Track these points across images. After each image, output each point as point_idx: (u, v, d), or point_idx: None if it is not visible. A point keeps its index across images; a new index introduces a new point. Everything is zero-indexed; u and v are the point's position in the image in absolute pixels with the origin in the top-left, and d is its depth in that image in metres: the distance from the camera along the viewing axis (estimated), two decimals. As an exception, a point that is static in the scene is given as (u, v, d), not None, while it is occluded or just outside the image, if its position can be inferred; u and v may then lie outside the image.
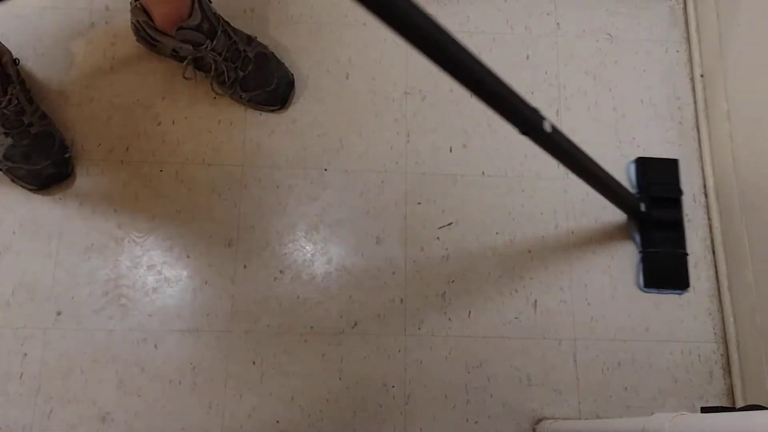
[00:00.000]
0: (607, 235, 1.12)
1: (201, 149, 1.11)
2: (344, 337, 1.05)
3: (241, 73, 1.09)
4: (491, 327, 1.07)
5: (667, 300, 1.10)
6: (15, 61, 1.03)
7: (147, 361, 1.02)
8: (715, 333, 1.10)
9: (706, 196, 1.15)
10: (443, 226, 1.11)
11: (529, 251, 1.11)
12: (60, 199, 1.07)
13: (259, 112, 1.13)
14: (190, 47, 1.05)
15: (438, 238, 1.11)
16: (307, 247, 1.09)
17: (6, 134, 1.02)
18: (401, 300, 1.07)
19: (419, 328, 1.06)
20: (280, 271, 1.07)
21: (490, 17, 1.22)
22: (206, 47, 1.05)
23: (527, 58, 1.20)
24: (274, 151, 1.12)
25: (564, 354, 1.07)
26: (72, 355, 1.02)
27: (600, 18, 1.23)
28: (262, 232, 1.09)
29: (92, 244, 1.06)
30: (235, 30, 1.10)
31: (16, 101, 1.01)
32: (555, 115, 1.17)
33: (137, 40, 1.11)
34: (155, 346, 1.03)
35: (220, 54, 1.06)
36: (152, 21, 1.05)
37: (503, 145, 1.15)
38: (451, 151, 1.15)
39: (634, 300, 1.10)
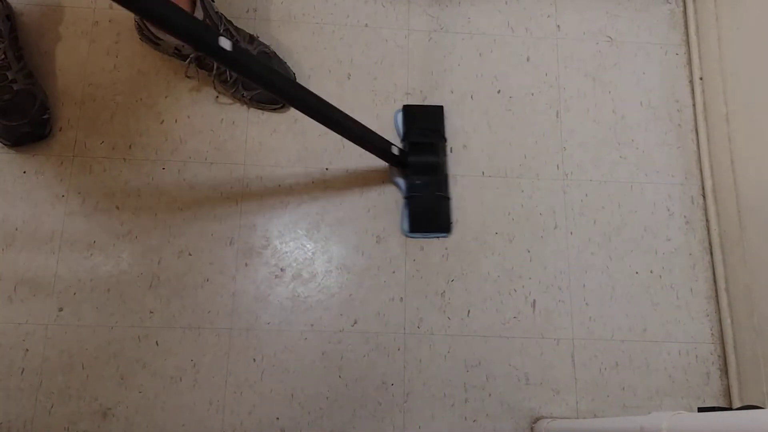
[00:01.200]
0: (606, 237, 1.13)
1: (203, 148, 1.12)
2: (344, 336, 1.06)
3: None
4: (490, 326, 1.08)
5: (664, 301, 1.11)
6: (8, 17, 1.04)
7: (148, 357, 1.03)
8: (712, 334, 1.11)
9: (704, 198, 1.16)
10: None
11: (528, 251, 1.12)
12: (63, 195, 1.08)
13: (261, 111, 1.14)
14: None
15: (438, 237, 1.12)
16: (308, 246, 1.10)
17: None
18: (401, 299, 1.08)
19: (419, 327, 1.07)
20: (281, 270, 1.08)
21: (490, 19, 1.22)
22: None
23: (527, 59, 1.21)
24: (276, 150, 1.13)
25: (562, 353, 1.08)
26: (73, 351, 1.02)
27: (600, 20, 1.24)
28: (263, 231, 1.09)
29: (94, 241, 1.06)
30: (237, 29, 1.11)
31: (2, 55, 1.02)
32: (555, 117, 1.18)
33: (140, 39, 1.12)
34: (156, 342, 1.03)
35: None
36: None
37: (503, 146, 1.16)
38: (451, 151, 1.15)
39: (634, 301, 1.11)
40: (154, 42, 1.09)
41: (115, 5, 0.66)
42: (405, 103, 1.16)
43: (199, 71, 1.12)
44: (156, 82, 1.14)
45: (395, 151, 1.06)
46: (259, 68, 0.83)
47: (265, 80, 0.83)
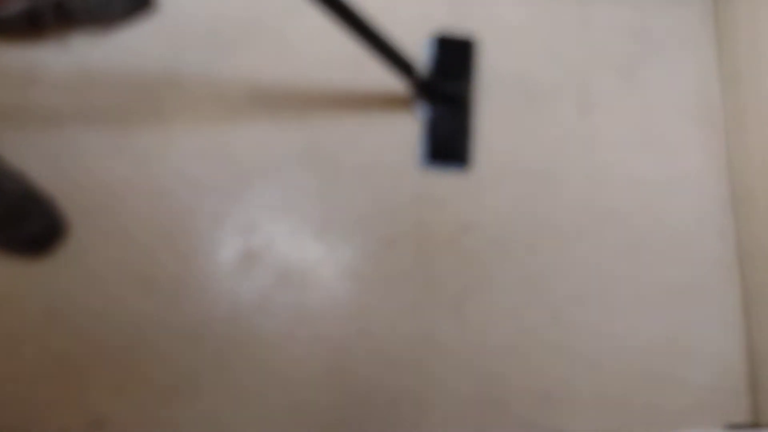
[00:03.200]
0: (633, 245, 1.07)
1: (205, 142, 1.07)
2: (352, 347, 1.00)
3: None
4: (508, 338, 1.02)
5: (693, 314, 1.05)
6: None
7: (143, 367, 0.97)
8: (742, 348, 1.05)
9: (736, 204, 1.10)
10: (459, 230, 1.06)
11: (551, 259, 1.06)
12: (57, 193, 1.02)
13: (265, 106, 1.08)
14: None
15: (453, 242, 1.05)
16: (315, 250, 1.04)
17: None
18: (413, 308, 1.02)
19: (431, 339, 1.01)
20: (285, 275, 1.02)
21: (514, 10, 1.16)
22: None
23: (554, 53, 1.14)
24: (282, 145, 1.08)
25: (584, 367, 1.02)
26: (72, 354, 0.97)
27: (628, 15, 1.17)
28: (266, 232, 1.04)
29: (89, 242, 1.01)
30: None
31: None
32: (582, 117, 1.12)
33: None
34: (152, 351, 0.98)
35: None
36: None
37: (526, 147, 1.10)
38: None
39: (661, 313, 1.05)
40: None
41: None
42: (436, 33, 1.12)
43: (60, 20, 1.05)
44: (154, 70, 1.08)
45: (420, 73, 1.01)
46: None
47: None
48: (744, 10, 1.11)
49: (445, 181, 1.07)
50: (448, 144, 1.07)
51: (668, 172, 1.11)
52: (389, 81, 1.06)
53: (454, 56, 1.11)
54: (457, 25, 1.14)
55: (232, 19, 1.12)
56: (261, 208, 1.05)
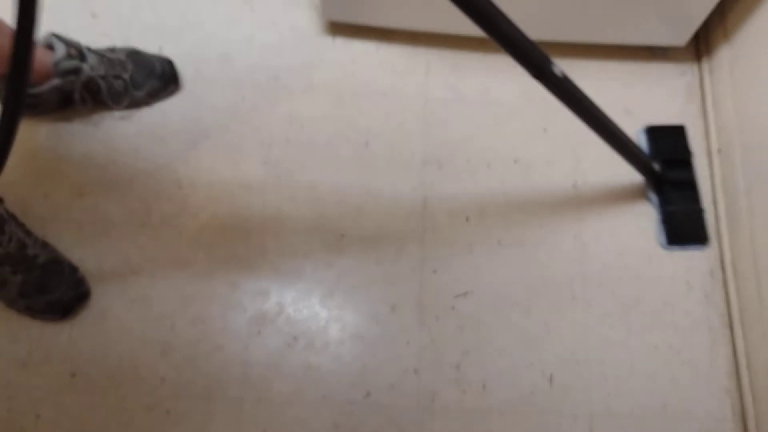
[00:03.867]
0: (624, 309, 1.12)
1: (220, 213, 1.13)
2: (356, 408, 1.04)
3: (126, 76, 1.13)
4: (506, 400, 1.06)
5: (684, 377, 1.08)
6: None
7: (158, 428, 1.01)
8: (733, 412, 1.08)
9: (723, 271, 1.14)
10: (458, 296, 1.11)
11: (546, 323, 1.10)
12: (80, 259, 1.08)
13: (278, 177, 1.15)
14: (73, 77, 1.07)
15: (453, 307, 1.11)
16: (322, 314, 1.09)
17: (15, 272, 1.00)
18: (415, 370, 1.06)
19: (433, 401, 1.05)
20: (294, 338, 1.07)
21: (508, 89, 1.24)
22: (86, 69, 1.07)
23: (544, 130, 1.21)
24: (293, 216, 1.14)
25: (580, 430, 1.05)
26: (85, 418, 1.01)
27: (616, 92, 1.24)
28: (277, 297, 1.09)
29: (109, 307, 1.07)
30: (28, 232, 1.06)
31: (15, 237, 1.00)
32: (572, 187, 1.18)
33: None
34: (167, 412, 1.02)
35: (100, 70, 1.09)
36: None
37: (520, 215, 1.16)
38: (467, 220, 1.15)
39: (653, 376, 1.08)
40: (32, 107, 1.10)
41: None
42: (648, 125, 1.23)
43: (89, 100, 1.13)
44: (176, 149, 1.16)
45: (656, 167, 1.14)
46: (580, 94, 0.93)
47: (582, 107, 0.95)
48: (728, 88, 1.18)
49: (445, 248, 1.13)
50: (688, 227, 1.16)
51: (657, 240, 1.16)
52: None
53: (671, 142, 1.22)
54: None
55: (252, 99, 1.21)
56: (275, 274, 1.11)
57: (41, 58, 1.04)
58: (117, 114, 1.17)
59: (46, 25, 1.18)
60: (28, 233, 1.04)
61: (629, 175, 1.18)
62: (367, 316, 1.09)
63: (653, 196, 1.17)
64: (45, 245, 1.06)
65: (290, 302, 1.09)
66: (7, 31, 0.94)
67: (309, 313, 1.09)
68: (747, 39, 1.14)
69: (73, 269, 1.06)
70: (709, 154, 1.21)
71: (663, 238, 1.15)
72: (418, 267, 1.12)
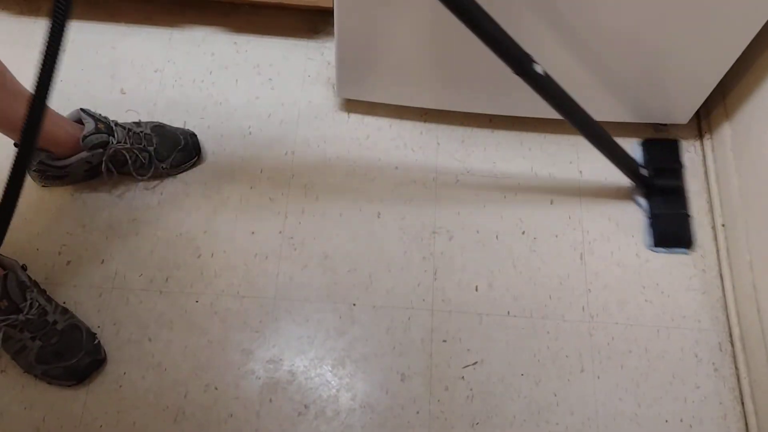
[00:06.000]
0: (634, 382, 1.12)
1: (236, 281, 1.16)
2: (366, 479, 1.04)
3: (151, 149, 1.18)
4: (516, 474, 1.05)
5: (697, 452, 1.08)
6: (23, 267, 1.06)
7: (168, 495, 1.02)
8: (748, 489, 1.06)
9: (732, 345, 1.15)
10: (468, 366, 1.12)
11: (555, 395, 1.11)
12: (98, 326, 1.11)
13: (293, 247, 1.18)
14: (100, 150, 1.12)
15: (463, 377, 1.11)
16: (333, 383, 1.10)
17: (34, 338, 1.03)
18: (425, 441, 1.07)
19: (443, 473, 1.05)
20: (305, 406, 1.08)
21: (515, 164, 1.28)
22: (113, 143, 1.12)
23: (551, 203, 1.25)
24: (306, 285, 1.16)
25: (591, 506, 1.04)
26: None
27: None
28: (289, 366, 1.11)
29: (124, 373, 1.09)
30: (127, 127, 1.17)
31: (36, 304, 1.03)
32: (579, 259, 1.20)
33: (43, 185, 1.19)
34: (177, 480, 1.03)
35: (126, 143, 1.15)
36: (54, 153, 1.11)
37: (528, 286, 1.18)
38: (476, 290, 1.18)
39: (662, 451, 1.08)
40: (59, 177, 1.16)
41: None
42: (646, 137, 1.32)
43: (115, 172, 1.18)
44: (196, 219, 1.20)
45: (644, 172, 1.20)
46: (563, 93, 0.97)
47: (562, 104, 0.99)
48: (731, 164, 1.21)
49: (454, 318, 1.15)
50: (674, 231, 1.23)
51: (665, 312, 1.17)
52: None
53: (663, 153, 1.30)
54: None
55: (270, 171, 1.26)
56: (287, 342, 1.13)
57: (71, 131, 1.10)
58: (141, 184, 1.22)
59: (78, 100, 1.27)
60: (49, 300, 1.07)
61: (636, 246, 1.22)
62: (378, 385, 1.10)
63: (643, 201, 1.24)
64: (65, 311, 1.09)
65: (302, 370, 1.11)
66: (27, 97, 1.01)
67: (320, 382, 1.10)
68: (747, 117, 1.18)
69: (92, 335, 1.09)
70: (714, 229, 1.23)
71: (650, 240, 1.22)
72: (428, 337, 1.14)
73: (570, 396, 1.11)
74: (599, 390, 1.11)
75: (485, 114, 1.31)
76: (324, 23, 1.39)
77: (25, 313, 1.01)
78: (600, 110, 1.24)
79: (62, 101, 1.28)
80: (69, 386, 1.07)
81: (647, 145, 1.30)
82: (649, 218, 1.23)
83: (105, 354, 1.09)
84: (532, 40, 1.06)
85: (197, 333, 1.12)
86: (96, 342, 1.09)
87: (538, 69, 0.91)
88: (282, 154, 1.27)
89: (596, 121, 1.04)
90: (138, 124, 1.21)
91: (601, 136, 1.07)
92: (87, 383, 1.08)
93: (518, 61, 0.90)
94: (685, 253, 1.21)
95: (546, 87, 0.94)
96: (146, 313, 1.13)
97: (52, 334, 1.05)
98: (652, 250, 1.21)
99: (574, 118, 1.01)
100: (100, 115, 1.14)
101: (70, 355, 1.06)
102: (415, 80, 1.20)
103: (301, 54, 1.36)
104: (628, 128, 1.31)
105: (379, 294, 1.17)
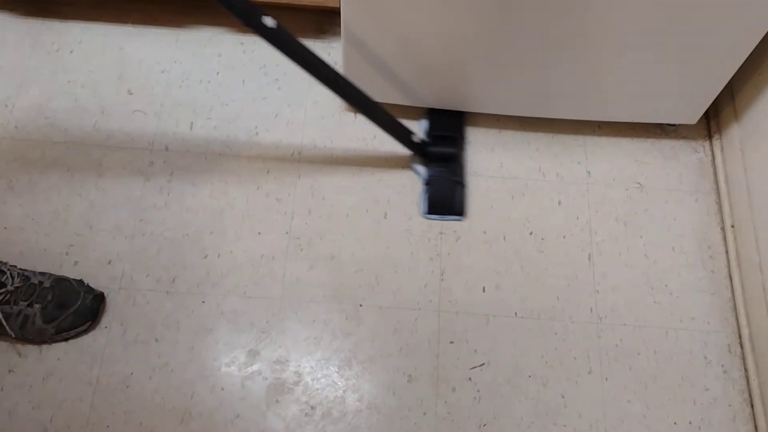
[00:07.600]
0: (642, 384, 1.11)
1: (243, 282, 1.16)
2: (373, 480, 1.04)
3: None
4: (523, 476, 1.05)
5: (706, 455, 1.07)
6: None
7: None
8: (758, 492, 1.06)
9: (741, 346, 1.14)
10: (475, 367, 1.12)
11: (563, 396, 1.10)
12: (105, 327, 1.11)
13: (299, 247, 1.18)
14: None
15: (470, 378, 1.11)
16: (340, 384, 1.10)
17: (30, 304, 1.06)
18: (432, 443, 1.06)
19: (449, 474, 1.04)
20: (312, 407, 1.08)
21: (522, 164, 1.28)
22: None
23: (559, 203, 1.24)
24: (313, 286, 1.16)
25: None
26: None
27: (629, 168, 1.28)
28: (296, 366, 1.11)
29: (131, 373, 1.09)
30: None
31: (16, 273, 1.07)
32: (587, 260, 1.20)
33: None
34: (184, 481, 1.03)
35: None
36: None
37: (536, 287, 1.18)
38: (484, 291, 1.17)
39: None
40: None
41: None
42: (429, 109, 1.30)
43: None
44: (203, 219, 1.20)
45: (416, 139, 1.19)
46: (299, 47, 0.95)
47: (305, 59, 0.96)
48: (740, 165, 1.20)
49: (461, 319, 1.15)
50: (446, 199, 1.23)
51: (673, 314, 1.16)
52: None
53: (446, 123, 1.29)
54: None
55: (276, 171, 1.26)
56: (293, 343, 1.12)
57: None
58: (149, 185, 1.22)
59: (86, 101, 1.27)
60: (23, 269, 1.10)
61: (644, 247, 1.21)
62: (384, 386, 1.10)
63: (421, 169, 1.25)
64: (43, 273, 1.11)
65: (308, 371, 1.10)
66: None
67: (327, 383, 1.10)
68: (757, 117, 1.17)
69: (79, 280, 1.11)
70: (723, 229, 1.23)
71: (424, 207, 1.23)
72: (435, 338, 1.13)
73: (578, 398, 1.10)
74: (607, 392, 1.11)
75: (492, 114, 1.31)
76: (330, 23, 1.39)
77: (10, 284, 1.04)
78: (609, 110, 1.24)
79: (69, 102, 1.29)
80: (85, 331, 1.10)
81: (431, 115, 1.29)
82: (424, 185, 1.24)
83: (100, 290, 1.12)
84: (541, 39, 1.06)
85: (204, 333, 1.12)
86: (87, 284, 1.12)
87: (268, 22, 0.89)
88: (288, 154, 1.27)
89: (351, 83, 1.03)
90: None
91: (359, 99, 1.06)
92: (98, 380, 1.08)
93: (245, 12, 0.88)
94: (458, 220, 1.22)
95: (278, 39, 0.92)
96: (153, 313, 1.13)
97: (45, 292, 1.07)
98: (425, 218, 1.22)
99: (320, 74, 0.99)
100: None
101: (72, 301, 1.08)
102: (422, 81, 1.20)
103: (307, 54, 1.36)
104: (637, 129, 1.30)
105: (385, 295, 1.16)
